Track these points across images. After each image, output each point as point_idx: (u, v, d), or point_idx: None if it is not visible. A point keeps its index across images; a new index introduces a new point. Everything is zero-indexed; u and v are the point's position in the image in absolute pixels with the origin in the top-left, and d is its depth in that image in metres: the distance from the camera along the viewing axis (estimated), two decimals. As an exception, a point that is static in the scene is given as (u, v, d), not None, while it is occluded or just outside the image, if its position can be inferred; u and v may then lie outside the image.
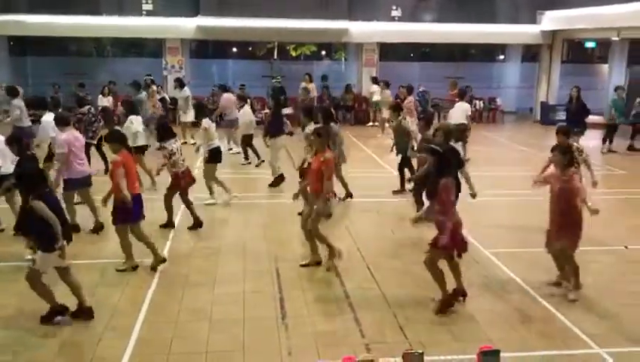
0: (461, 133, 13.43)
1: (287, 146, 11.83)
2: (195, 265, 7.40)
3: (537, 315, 6.09)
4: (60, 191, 8.76)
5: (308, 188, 7.36)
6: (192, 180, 8.79)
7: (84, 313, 5.79)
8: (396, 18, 20.80)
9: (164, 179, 8.82)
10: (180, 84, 15.94)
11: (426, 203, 7.21)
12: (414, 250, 7.74)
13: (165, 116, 15.98)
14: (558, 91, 22.15)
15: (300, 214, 8.57)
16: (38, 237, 5.50)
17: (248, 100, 14.71)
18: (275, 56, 27.93)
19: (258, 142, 12.69)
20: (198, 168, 10.51)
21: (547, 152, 7.07)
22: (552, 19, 21.03)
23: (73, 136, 8.53)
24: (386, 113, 16.89)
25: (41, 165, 8.16)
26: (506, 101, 23.44)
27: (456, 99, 14.15)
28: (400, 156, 10.63)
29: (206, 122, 9.72)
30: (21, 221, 5.65)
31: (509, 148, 16.93)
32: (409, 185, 10.34)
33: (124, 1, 20.46)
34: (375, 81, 20.29)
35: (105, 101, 17.23)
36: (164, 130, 8.65)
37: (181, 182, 8.50)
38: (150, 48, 25.30)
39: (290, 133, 13.99)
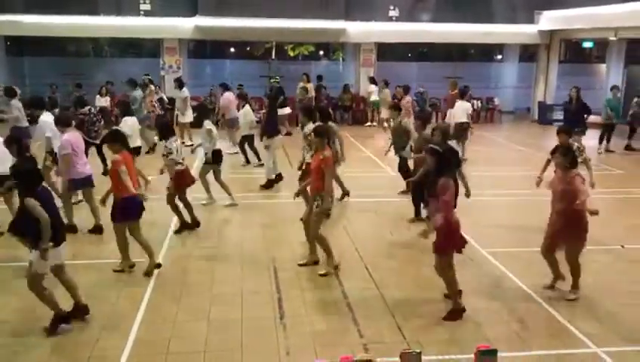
0: (463, 131, 13.70)
1: (284, 146, 11.82)
2: (193, 265, 7.40)
3: (535, 315, 6.10)
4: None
5: (308, 189, 7.35)
6: (192, 181, 8.76)
7: (80, 311, 5.77)
8: (394, 18, 20.82)
9: (164, 180, 8.78)
10: (179, 84, 15.90)
11: (430, 203, 7.18)
12: (412, 250, 7.76)
13: (164, 116, 15.99)
14: (556, 91, 22.20)
15: (302, 220, 8.57)
16: (35, 237, 5.44)
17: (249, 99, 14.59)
18: (273, 56, 27.93)
19: (258, 142, 12.66)
20: (195, 169, 10.48)
21: (545, 152, 7.09)
22: (549, 19, 21.06)
23: (75, 136, 8.53)
24: (385, 113, 16.90)
25: (40, 165, 8.17)
26: (503, 101, 23.47)
27: (457, 99, 14.22)
28: (398, 157, 10.62)
29: (208, 123, 9.68)
30: (17, 221, 5.60)
31: (507, 148, 16.95)
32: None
33: (121, 1, 20.45)
34: (373, 81, 20.30)
35: (102, 101, 17.24)
36: (165, 128, 8.64)
37: (180, 182, 8.48)
38: (148, 48, 25.29)
39: (289, 133, 13.99)
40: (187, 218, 8.68)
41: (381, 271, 7.22)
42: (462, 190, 7.66)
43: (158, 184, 8.69)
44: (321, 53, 31.32)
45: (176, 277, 6.98)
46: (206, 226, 8.88)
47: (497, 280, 7.04)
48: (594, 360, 5.28)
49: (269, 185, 11.26)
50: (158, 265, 7.09)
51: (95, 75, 21.69)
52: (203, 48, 27.95)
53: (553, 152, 6.53)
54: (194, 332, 5.65)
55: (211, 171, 9.82)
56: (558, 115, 20.74)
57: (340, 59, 28.53)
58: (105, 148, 11.18)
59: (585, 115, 14.17)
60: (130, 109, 11.67)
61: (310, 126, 8.99)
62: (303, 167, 8.80)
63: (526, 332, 5.73)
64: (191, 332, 5.64)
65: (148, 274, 6.95)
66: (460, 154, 13.67)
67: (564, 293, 6.45)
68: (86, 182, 8.53)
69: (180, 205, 8.65)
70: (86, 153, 9.44)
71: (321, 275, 7.00)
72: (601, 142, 15.78)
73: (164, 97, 17.88)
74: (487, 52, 28.67)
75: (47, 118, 9.46)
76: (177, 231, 8.54)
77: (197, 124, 10.30)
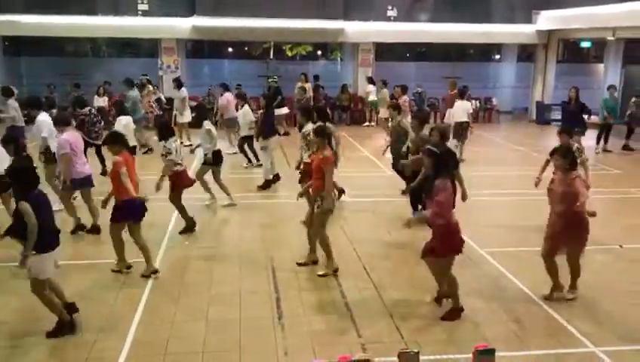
0: (463, 131, 13.80)
1: (282, 146, 11.80)
2: (192, 265, 7.40)
3: (533, 314, 6.11)
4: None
5: (310, 190, 7.32)
6: (190, 182, 8.71)
7: (68, 307, 5.65)
8: (392, 18, 20.81)
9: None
10: (177, 84, 15.85)
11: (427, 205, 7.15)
12: (411, 250, 7.75)
13: (162, 116, 15.98)
14: (554, 91, 22.23)
15: (304, 222, 8.57)
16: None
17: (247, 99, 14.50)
18: (271, 56, 27.93)
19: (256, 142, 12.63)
20: (193, 169, 10.42)
21: (543, 152, 7.08)
22: (547, 19, 21.08)
23: (74, 136, 8.52)
24: (384, 113, 16.89)
25: (36, 165, 8.14)
26: (501, 101, 23.49)
27: (457, 99, 14.29)
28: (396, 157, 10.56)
29: (207, 124, 9.65)
30: (15, 224, 5.50)
31: (505, 147, 16.97)
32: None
33: (119, 1, 20.42)
34: (371, 80, 20.30)
35: (100, 101, 17.20)
36: (165, 129, 8.58)
37: (178, 183, 8.44)
38: (146, 48, 25.28)
39: (287, 133, 13.95)
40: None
41: (379, 271, 7.23)
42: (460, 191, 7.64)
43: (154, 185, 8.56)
44: (320, 53, 31.32)
45: (174, 278, 6.97)
46: (204, 226, 8.87)
47: (496, 280, 7.05)
48: (592, 359, 5.29)
49: (267, 185, 11.26)
50: (155, 271, 6.99)
51: (93, 75, 21.66)
52: (201, 48, 27.94)
53: (552, 153, 6.46)
54: (192, 332, 5.65)
55: (210, 171, 9.79)
56: (556, 114, 20.80)
57: (338, 59, 28.54)
58: (104, 149, 11.19)
59: (585, 116, 14.20)
60: (125, 109, 11.64)
61: (309, 126, 8.97)
62: (302, 167, 8.79)
63: (524, 331, 5.73)
64: (189, 333, 5.64)
65: (144, 276, 6.91)
66: (459, 154, 13.78)
67: (562, 293, 6.45)
68: (85, 182, 8.52)
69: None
70: (85, 153, 9.43)
71: (320, 276, 7.00)
72: (598, 142, 15.80)
73: (162, 97, 17.88)
74: (485, 52, 28.69)
75: (44, 117, 9.44)
76: (183, 231, 8.51)
77: (196, 124, 10.24)
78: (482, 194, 11.19)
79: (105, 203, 7.22)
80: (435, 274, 6.00)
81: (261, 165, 12.28)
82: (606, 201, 10.20)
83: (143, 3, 19.45)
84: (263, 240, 8.44)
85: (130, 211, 6.85)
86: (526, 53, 25.55)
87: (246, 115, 12.74)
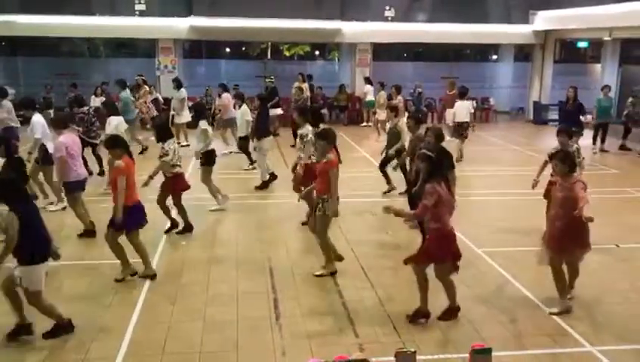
0: (464, 130, 13.98)
1: (279, 147, 11.78)
2: (189, 266, 7.39)
3: (529, 314, 6.12)
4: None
5: (314, 192, 7.30)
6: (186, 186, 8.57)
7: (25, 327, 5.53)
8: (389, 18, 20.81)
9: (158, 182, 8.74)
10: (177, 84, 15.79)
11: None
12: (408, 250, 7.74)
13: (159, 116, 15.93)
14: (551, 91, 22.26)
15: (303, 224, 8.58)
16: (17, 250, 5.15)
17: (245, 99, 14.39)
18: (269, 57, 27.93)
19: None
20: (191, 171, 10.41)
21: (540, 151, 7.09)
22: (544, 19, 21.11)
23: (71, 139, 8.49)
24: (382, 115, 16.91)
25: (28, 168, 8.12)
26: (498, 101, 23.52)
27: (457, 99, 14.38)
28: (398, 158, 10.53)
29: (203, 124, 9.63)
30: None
31: (503, 147, 16.99)
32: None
33: (116, 1, 20.40)
34: (368, 81, 20.30)
35: (97, 101, 17.13)
36: (163, 130, 8.46)
37: (176, 186, 8.35)
38: (143, 48, 25.23)
39: (276, 134, 13.90)
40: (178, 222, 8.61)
41: (377, 271, 7.23)
42: (458, 191, 7.64)
43: (151, 188, 8.52)
44: (317, 53, 31.33)
45: (171, 278, 6.97)
46: (202, 227, 8.87)
47: (492, 280, 7.06)
48: (589, 359, 5.30)
49: (264, 186, 11.25)
50: (154, 276, 6.92)
51: (90, 76, 21.63)
52: (198, 48, 27.90)
53: (551, 158, 6.37)
54: (190, 332, 5.65)
55: (205, 171, 9.74)
56: (553, 114, 20.85)
57: (336, 59, 28.54)
58: (100, 148, 11.18)
59: (581, 116, 14.22)
60: (115, 109, 11.63)
61: (307, 127, 8.95)
62: (297, 169, 8.76)
63: (521, 331, 5.74)
64: (187, 333, 5.64)
65: (142, 277, 6.89)
66: (459, 153, 13.84)
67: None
68: (80, 186, 8.48)
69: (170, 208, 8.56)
70: (83, 152, 9.41)
71: (317, 276, 7.00)
72: (594, 142, 15.83)
73: (160, 98, 17.85)
74: (482, 52, 28.73)
75: (37, 118, 9.41)
76: (167, 231, 8.43)
77: (195, 124, 10.21)
78: (479, 194, 11.22)
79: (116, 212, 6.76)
80: (439, 279, 5.86)
81: (255, 167, 12.26)
82: (603, 201, 10.22)
83: (140, 3, 19.41)
84: (261, 240, 8.44)
85: (135, 217, 6.74)
86: (523, 53, 25.58)
87: (244, 115, 12.70)
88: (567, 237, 5.97)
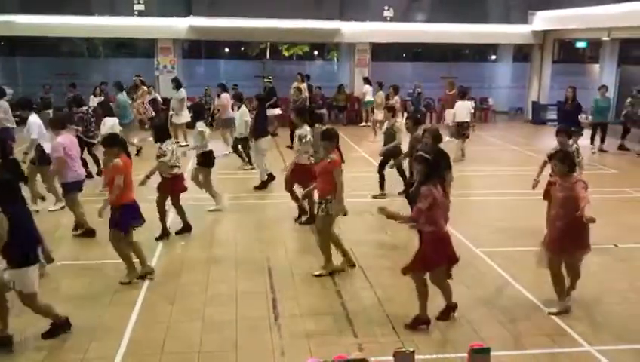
0: (465, 130, 14.10)
1: (278, 147, 11.77)
2: (188, 266, 7.39)
3: (528, 314, 6.12)
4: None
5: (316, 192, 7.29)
6: (184, 187, 8.48)
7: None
8: (388, 18, 20.82)
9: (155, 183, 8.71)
10: (176, 84, 15.77)
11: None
12: (407, 250, 7.75)
13: (158, 117, 15.92)
14: (550, 91, 22.28)
15: (302, 224, 8.59)
16: (7, 252, 5.09)
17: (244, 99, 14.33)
18: (268, 57, 27.92)
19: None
20: (188, 172, 10.35)
21: (539, 151, 7.09)
22: (543, 20, 21.13)
23: (69, 139, 8.49)
24: (379, 115, 16.91)
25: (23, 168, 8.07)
26: (497, 101, 23.53)
27: (457, 99, 14.46)
28: (396, 159, 10.52)
29: (200, 125, 9.61)
30: None
31: (502, 147, 17.00)
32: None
33: (115, 1, 20.40)
34: (367, 81, 20.31)
35: (96, 102, 17.14)
36: (161, 131, 8.38)
37: (174, 188, 8.28)
38: (142, 48, 25.23)
39: (275, 134, 13.88)
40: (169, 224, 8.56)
41: (376, 271, 7.24)
42: (457, 191, 7.64)
43: (147, 189, 8.47)
44: (316, 53, 31.33)
45: (170, 278, 6.97)
46: (201, 227, 8.86)
47: (491, 280, 7.06)
48: (587, 358, 5.30)
49: (263, 186, 11.26)
50: (151, 271, 6.92)
51: (89, 76, 21.62)
52: (197, 48, 27.91)
53: (550, 158, 6.32)
54: (189, 332, 5.65)
55: (203, 172, 9.72)
56: (552, 114, 20.86)
57: (335, 59, 28.54)
58: (97, 148, 11.17)
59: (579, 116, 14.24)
60: (111, 110, 11.61)
61: (305, 128, 8.95)
62: (285, 167, 8.76)
63: (520, 331, 5.75)
64: (185, 333, 5.64)
65: (141, 277, 6.88)
66: (460, 153, 13.88)
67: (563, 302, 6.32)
68: (78, 186, 8.47)
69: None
70: (82, 153, 9.40)
71: (316, 276, 7.00)
72: (592, 142, 15.83)
73: (159, 98, 17.83)
74: (481, 52, 28.74)
75: (34, 119, 9.40)
76: (158, 238, 8.21)
77: (194, 124, 10.19)
78: (478, 194, 11.23)
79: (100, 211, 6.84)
80: (435, 284, 5.82)
81: (254, 168, 12.25)
82: (602, 201, 10.21)
83: (139, 3, 19.40)
84: (260, 240, 8.44)
85: (130, 216, 6.73)
86: (522, 53, 25.59)
87: (243, 115, 12.68)
88: (567, 237, 5.95)
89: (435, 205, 5.52)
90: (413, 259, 5.75)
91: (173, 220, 8.74)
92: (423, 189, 5.55)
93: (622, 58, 22.09)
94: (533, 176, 8.08)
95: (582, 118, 14.61)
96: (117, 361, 5.14)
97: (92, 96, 17.30)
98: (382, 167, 10.69)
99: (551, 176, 7.66)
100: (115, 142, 6.88)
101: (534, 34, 21.68)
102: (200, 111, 10.41)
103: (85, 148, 11.29)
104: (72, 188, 8.37)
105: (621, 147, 16.13)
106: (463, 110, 14.10)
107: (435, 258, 5.66)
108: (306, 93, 17.85)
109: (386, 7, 20.71)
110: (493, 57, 27.31)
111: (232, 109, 13.92)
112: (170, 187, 8.27)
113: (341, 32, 20.76)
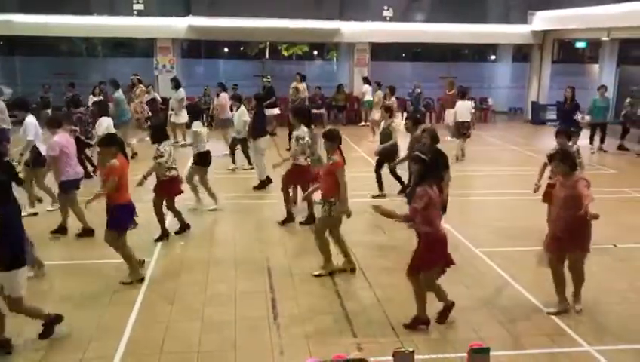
0: (465, 129, 14.19)
1: (277, 147, 11.75)
2: (187, 266, 7.39)
3: (527, 314, 6.12)
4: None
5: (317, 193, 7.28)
6: (179, 190, 8.42)
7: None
8: (388, 18, 20.83)
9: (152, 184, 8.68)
10: (175, 84, 15.73)
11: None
12: (406, 250, 7.74)
13: (156, 117, 15.90)
14: (549, 91, 22.29)
15: (301, 224, 8.59)
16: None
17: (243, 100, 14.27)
18: (267, 56, 27.91)
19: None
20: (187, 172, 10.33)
21: (538, 152, 7.08)
22: (542, 20, 21.14)
23: (65, 138, 8.47)
24: (377, 114, 16.91)
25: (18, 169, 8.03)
26: (497, 101, 23.53)
27: (458, 99, 14.50)
28: (392, 161, 10.50)
29: (196, 125, 9.58)
30: None
31: (501, 147, 17.00)
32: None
33: (114, 0, 20.39)
34: (366, 81, 20.31)
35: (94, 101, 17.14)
36: (159, 131, 8.29)
37: (170, 190, 8.22)
38: (141, 48, 25.21)
39: (273, 134, 13.86)
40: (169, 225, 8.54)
41: (375, 270, 7.23)
42: (456, 191, 7.63)
43: (144, 190, 8.42)
44: (316, 53, 31.32)
45: (169, 278, 6.96)
46: (200, 227, 8.86)
47: (491, 280, 7.06)
48: (587, 358, 5.30)
49: (262, 186, 11.25)
50: (141, 279, 6.86)
51: (88, 75, 21.60)
52: (197, 48, 27.89)
53: (551, 159, 6.30)
54: (188, 332, 5.64)
55: (199, 172, 9.69)
56: (551, 114, 20.87)
57: (334, 59, 28.54)
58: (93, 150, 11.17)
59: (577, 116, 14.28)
60: (106, 110, 11.59)
61: (303, 129, 8.92)
62: (290, 169, 8.77)
63: (519, 331, 5.74)
64: (185, 333, 5.63)
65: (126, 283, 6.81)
66: (460, 152, 13.89)
67: (568, 306, 6.21)
68: (75, 185, 8.46)
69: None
70: (80, 153, 9.38)
71: (315, 276, 7.00)
72: (591, 142, 15.84)
73: (158, 97, 17.82)
74: (480, 52, 28.73)
75: (31, 119, 9.36)
76: (157, 240, 8.17)
77: (191, 124, 10.17)
78: (477, 194, 11.23)
79: (90, 201, 6.84)
80: (426, 288, 5.74)
81: (253, 168, 12.22)
82: (601, 201, 10.18)
83: (138, 2, 19.39)
84: (259, 240, 8.43)
85: (125, 216, 6.71)
86: (521, 53, 25.60)
87: (242, 115, 12.63)
88: (567, 237, 5.94)
89: (430, 205, 5.51)
90: (411, 261, 5.75)
91: (171, 221, 8.72)
92: (419, 189, 5.55)
93: (621, 58, 22.10)
94: (532, 176, 8.09)
95: (578, 117, 14.65)
96: (116, 361, 5.14)
97: (91, 96, 17.27)
98: (378, 166, 10.69)
99: (550, 178, 7.67)
100: (112, 142, 6.84)
101: (534, 34, 21.69)
102: (196, 111, 10.40)
103: (84, 149, 11.31)
104: (69, 187, 8.34)
105: (620, 147, 16.14)
106: (463, 110, 14.19)
107: (433, 258, 5.64)
108: (305, 93, 17.84)
109: (386, 7, 20.71)
110: (493, 57, 27.31)
111: (231, 110, 13.88)
112: (167, 189, 8.21)
113: (341, 32, 20.76)
